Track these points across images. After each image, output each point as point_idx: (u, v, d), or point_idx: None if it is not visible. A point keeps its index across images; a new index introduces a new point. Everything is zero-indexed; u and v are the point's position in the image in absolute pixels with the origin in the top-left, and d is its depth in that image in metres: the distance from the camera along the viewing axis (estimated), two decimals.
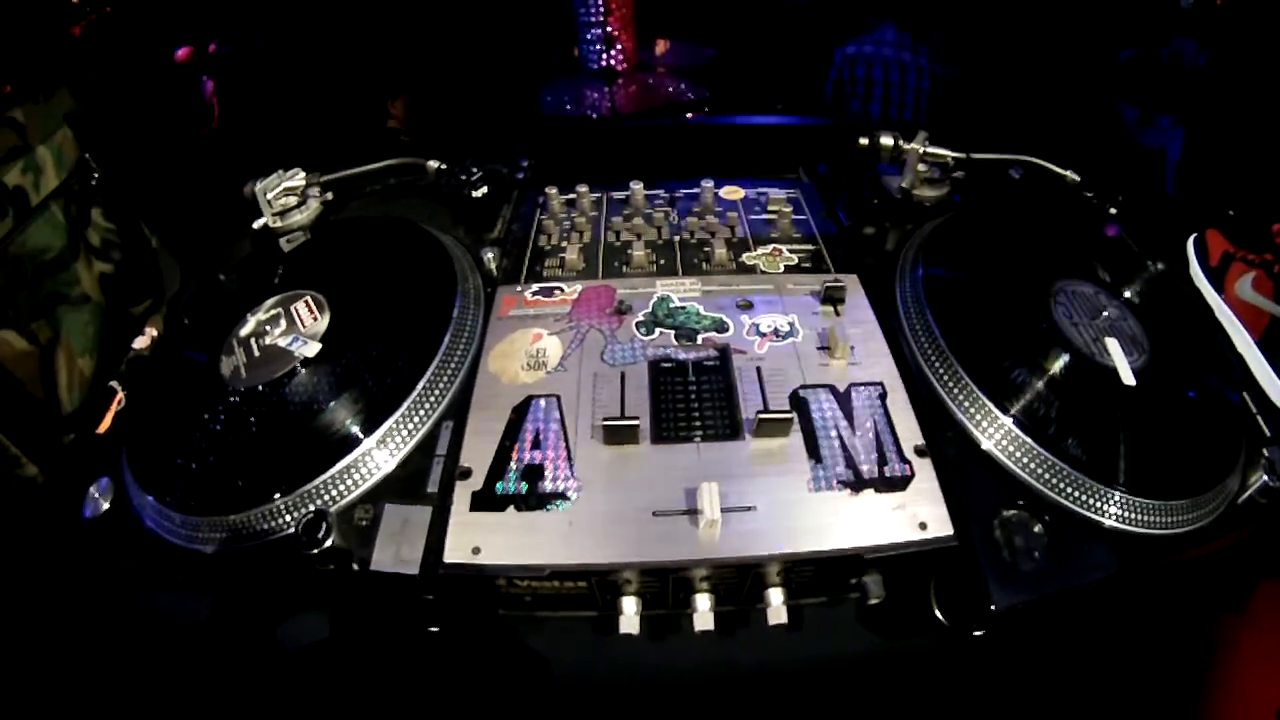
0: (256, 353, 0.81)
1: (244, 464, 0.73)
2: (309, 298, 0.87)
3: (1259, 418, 0.83)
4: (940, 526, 0.66)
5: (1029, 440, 0.72)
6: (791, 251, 1.01)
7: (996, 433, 0.74)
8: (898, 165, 1.08)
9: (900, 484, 0.70)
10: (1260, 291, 1.02)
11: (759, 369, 0.82)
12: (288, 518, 0.69)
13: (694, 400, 0.79)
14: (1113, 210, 1.05)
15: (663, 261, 1.00)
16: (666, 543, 0.66)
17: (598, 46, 1.94)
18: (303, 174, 1.03)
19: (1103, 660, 0.78)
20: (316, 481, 0.70)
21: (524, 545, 0.66)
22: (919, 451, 0.72)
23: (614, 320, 0.90)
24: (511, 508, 0.69)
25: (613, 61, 1.95)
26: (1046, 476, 0.71)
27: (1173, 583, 0.75)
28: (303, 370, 0.78)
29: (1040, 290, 0.85)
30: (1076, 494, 0.70)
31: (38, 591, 0.78)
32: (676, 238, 1.05)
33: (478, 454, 0.74)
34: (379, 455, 0.73)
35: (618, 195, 1.14)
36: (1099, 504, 0.70)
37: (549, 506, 0.69)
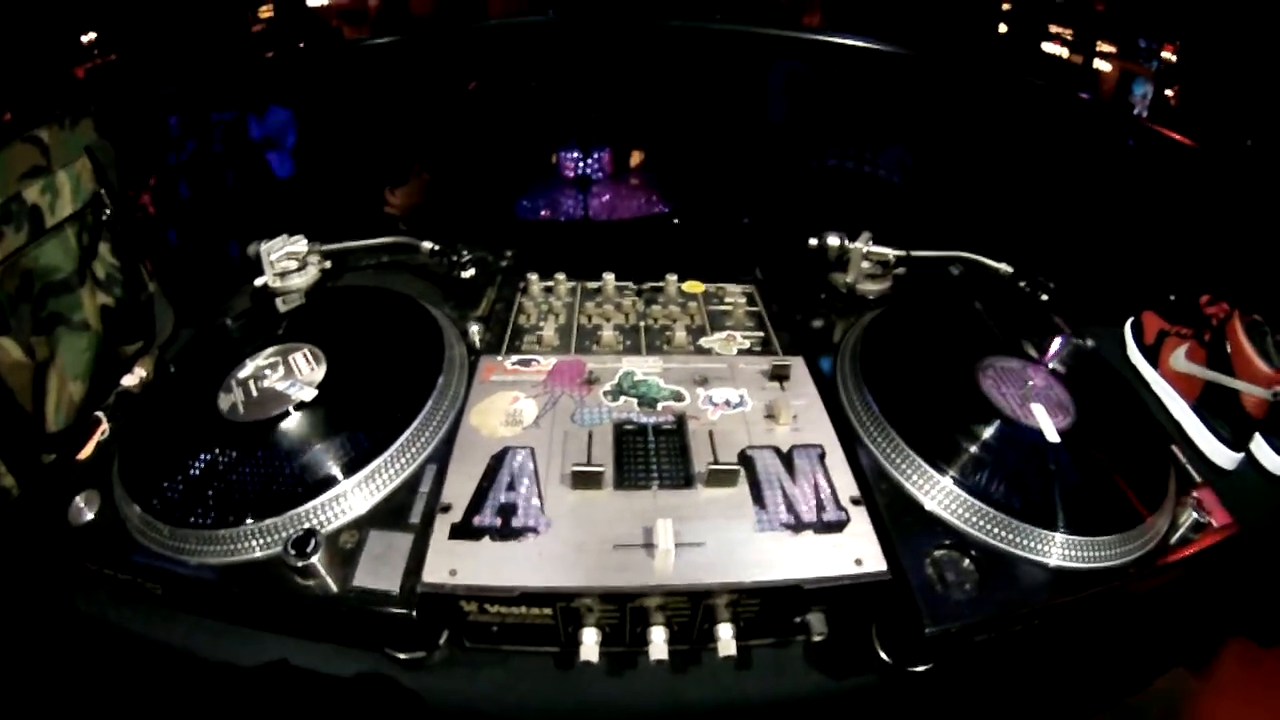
0: (254, 393, 0.88)
1: (238, 487, 0.78)
2: (307, 350, 0.95)
3: (1188, 466, 0.93)
4: (874, 563, 0.74)
5: (962, 493, 0.81)
6: (744, 337, 1.14)
7: (934, 489, 0.83)
8: (843, 263, 1.22)
9: (837, 527, 0.78)
10: (1193, 360, 1.13)
11: (711, 432, 0.92)
12: (276, 537, 0.74)
13: (653, 456, 0.88)
14: (1044, 298, 1.18)
15: (629, 342, 1.12)
16: (625, 570, 0.73)
17: (574, 154, 2.12)
18: (305, 241, 1.13)
19: (1063, 710, 0.84)
20: (305, 507, 0.76)
21: (497, 569, 0.72)
22: (855, 501, 0.82)
23: (584, 389, 1.00)
24: (487, 538, 0.76)
25: (589, 170, 2.13)
26: (980, 523, 0.78)
27: (1123, 624, 0.82)
28: (298, 412, 0.86)
29: (968, 366, 0.96)
30: (1010, 536, 0.77)
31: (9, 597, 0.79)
32: (642, 323, 1.17)
33: (458, 492, 0.81)
34: (365, 489, 0.80)
35: (592, 285, 1.27)
36: (1032, 544, 0.77)
37: (521, 538, 0.76)
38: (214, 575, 0.74)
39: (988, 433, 0.88)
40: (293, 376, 0.91)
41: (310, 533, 0.71)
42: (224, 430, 0.84)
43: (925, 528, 0.80)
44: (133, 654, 0.78)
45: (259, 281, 1.11)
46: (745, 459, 0.88)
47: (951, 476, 0.83)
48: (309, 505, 0.77)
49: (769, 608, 0.76)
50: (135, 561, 0.75)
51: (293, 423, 0.85)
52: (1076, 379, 0.98)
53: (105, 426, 0.93)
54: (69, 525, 0.79)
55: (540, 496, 0.81)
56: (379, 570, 0.72)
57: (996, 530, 0.78)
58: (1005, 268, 1.24)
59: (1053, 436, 0.86)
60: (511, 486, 0.82)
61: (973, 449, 0.87)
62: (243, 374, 0.91)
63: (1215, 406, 1.09)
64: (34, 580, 0.80)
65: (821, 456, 0.88)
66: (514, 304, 1.21)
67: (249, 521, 0.75)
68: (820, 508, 0.81)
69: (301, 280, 1.13)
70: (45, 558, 0.79)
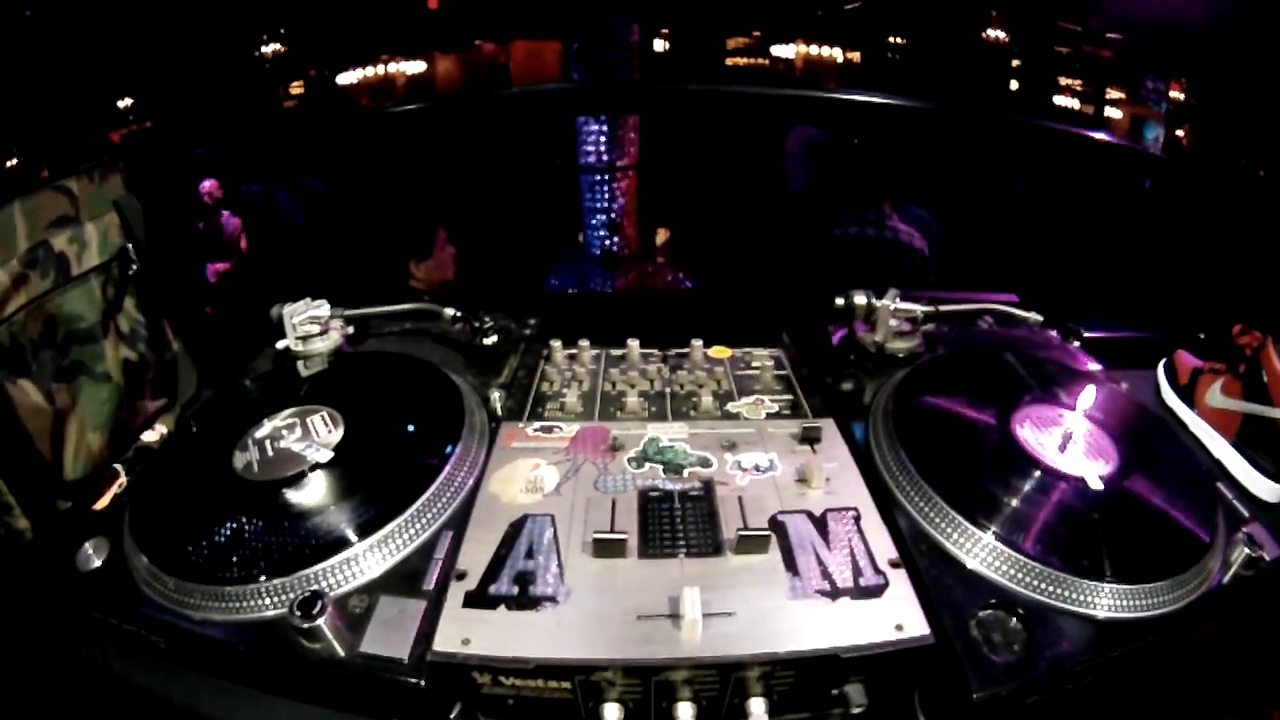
0: (270, 453, 0.88)
1: (247, 545, 0.77)
2: (325, 413, 0.95)
3: (1235, 502, 0.88)
4: (916, 628, 0.69)
5: (1005, 549, 0.76)
6: (773, 401, 1.11)
7: (975, 547, 0.78)
8: (871, 322, 1.20)
9: (875, 592, 0.73)
10: (1229, 394, 1.09)
11: (740, 498, 0.88)
12: (284, 597, 0.72)
13: (679, 523, 0.84)
14: (1076, 344, 1.15)
15: (654, 409, 1.10)
16: (649, 643, 0.68)
17: (601, 232, 2.18)
18: (328, 305, 1.14)
19: None
20: (316, 569, 0.74)
21: (512, 640, 0.68)
22: (893, 564, 0.76)
23: (608, 455, 0.98)
24: (503, 606, 0.72)
25: (615, 247, 2.18)
26: (1025, 579, 0.74)
27: (1176, 673, 0.76)
28: (313, 473, 0.85)
29: (1004, 417, 0.93)
30: (1058, 590, 0.73)
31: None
32: (668, 389, 1.15)
33: (474, 560, 0.78)
34: (378, 553, 0.78)
35: (616, 352, 1.26)
36: (1081, 596, 0.73)
37: (539, 607, 0.72)
38: (218, 632, 0.72)
39: (1027, 485, 0.84)
40: (310, 438, 0.91)
41: (317, 594, 0.68)
42: (237, 487, 0.84)
43: (968, 588, 0.75)
44: (133, 707, 0.76)
45: (281, 344, 1.12)
46: (776, 524, 0.83)
47: (993, 532, 0.78)
48: (319, 567, 0.75)
49: (805, 679, 0.70)
50: (139, 612, 0.74)
51: (306, 483, 0.84)
52: (1114, 424, 0.95)
53: (123, 479, 0.94)
54: (76, 571, 0.79)
55: (560, 565, 0.78)
56: (388, 636, 0.68)
57: (1043, 585, 0.74)
58: (1035, 316, 1.23)
59: (1095, 484, 0.83)
60: (530, 554, 0.79)
61: (1013, 502, 0.82)
62: (260, 433, 0.91)
63: (1255, 439, 1.05)
64: (40, 624, 0.78)
65: (857, 519, 0.83)
66: (537, 371, 1.20)
67: (257, 580, 0.73)
68: (857, 572, 0.75)
69: (323, 345, 1.13)
70: (52, 602, 0.79)
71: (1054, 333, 1.21)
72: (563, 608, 0.72)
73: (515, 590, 0.74)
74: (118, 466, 0.92)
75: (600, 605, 0.73)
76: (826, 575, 0.75)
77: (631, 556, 0.79)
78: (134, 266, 1.12)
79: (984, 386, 1.06)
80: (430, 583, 0.75)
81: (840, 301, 1.22)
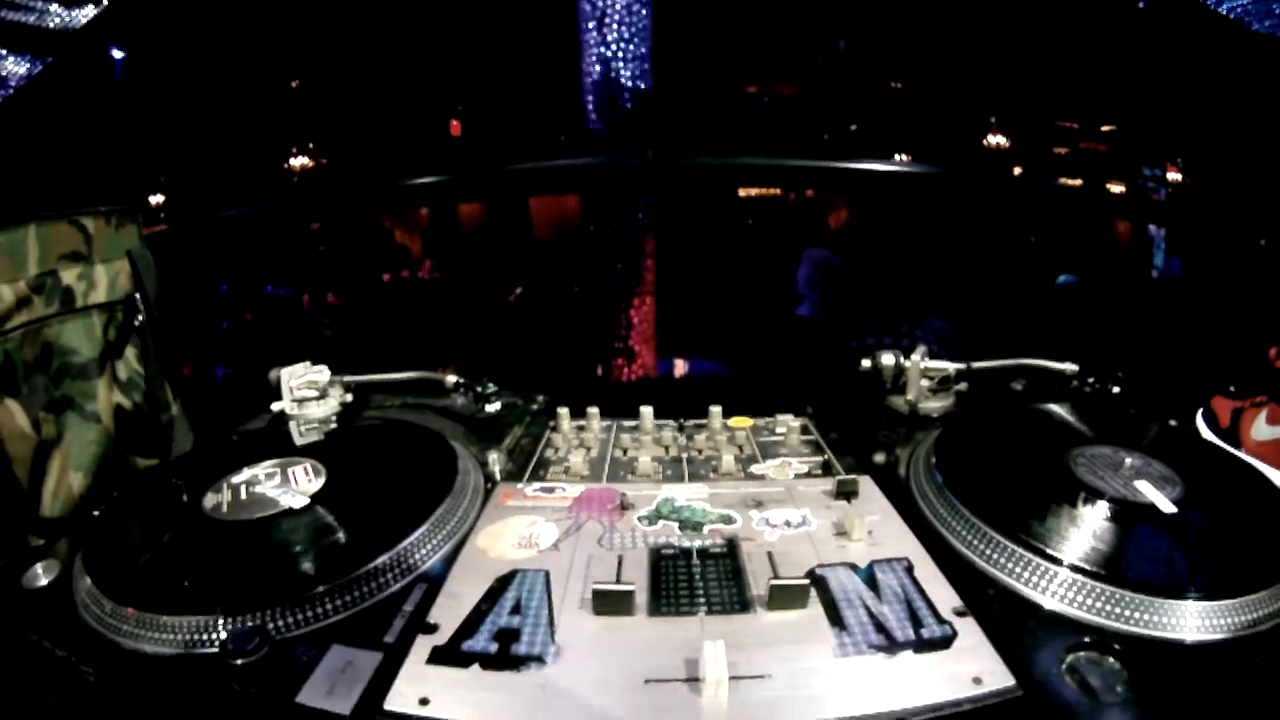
0: (243, 496, 0.82)
1: (194, 577, 0.70)
2: (309, 464, 0.89)
3: None
4: (998, 679, 0.54)
5: (1087, 580, 0.66)
6: (801, 463, 0.99)
7: (1051, 584, 0.67)
8: (901, 384, 1.11)
9: (942, 643, 0.58)
10: (1276, 423, 1.06)
11: (770, 553, 0.75)
12: (218, 635, 0.62)
13: (698, 580, 0.71)
14: (1116, 390, 1.09)
15: (669, 472, 0.98)
16: (661, 712, 0.54)
17: (619, 361, 2.13)
18: (328, 371, 1.07)
19: None
20: (265, 610, 0.64)
21: (484, 704, 0.54)
22: (959, 612, 0.62)
23: (615, 514, 0.85)
24: (476, 665, 0.58)
25: (633, 376, 2.11)
26: (1114, 610, 0.64)
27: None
28: (284, 518, 0.77)
29: (1057, 459, 0.85)
30: (1152, 617, 0.63)
31: None
32: (685, 455, 1.04)
33: (449, 614, 0.65)
34: (340, 600, 0.67)
35: (628, 422, 1.16)
36: (1174, 620, 0.63)
37: (520, 668, 0.58)
38: (145, 664, 0.64)
39: (1098, 515, 0.75)
40: (288, 486, 0.85)
41: (258, 631, 0.57)
42: (197, 522, 0.79)
43: (1050, 630, 0.64)
44: None
45: (276, 406, 1.04)
46: (816, 578, 0.69)
47: (1069, 565, 0.67)
48: (269, 609, 0.64)
49: None
50: (70, 635, 0.68)
51: (273, 525, 0.77)
52: (1170, 454, 0.88)
53: None
54: (21, 589, 0.74)
55: (552, 622, 0.64)
56: (332, 689, 0.55)
57: (1134, 614, 0.64)
58: (1070, 367, 1.16)
59: (1167, 507, 0.76)
60: (517, 610, 0.66)
61: (1085, 534, 0.73)
62: (236, 479, 0.87)
63: None
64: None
65: (909, 569, 0.69)
66: (542, 439, 1.10)
67: (195, 613, 0.65)
68: (917, 623, 0.61)
69: (320, 410, 1.05)
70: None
71: (1091, 380, 1.16)
72: (551, 669, 0.58)
73: (494, 648, 0.60)
74: (97, 515, 0.86)
75: (598, 668, 0.58)
76: (881, 628, 0.61)
77: (639, 614, 0.65)
78: (140, 317, 1.11)
79: (1028, 433, 1.00)
80: (393, 635, 0.62)
81: (867, 364, 1.14)
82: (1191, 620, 0.64)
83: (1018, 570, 0.69)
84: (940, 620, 0.61)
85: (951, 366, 1.11)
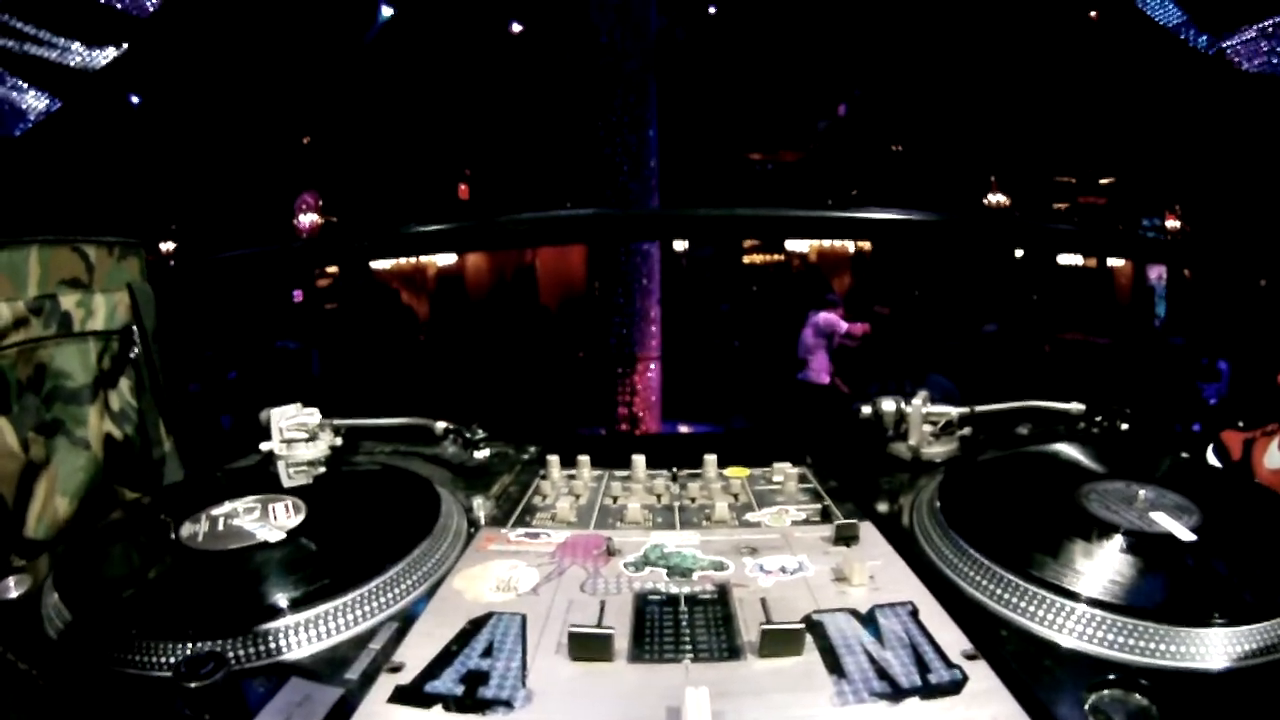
0: (220, 528, 0.81)
1: (158, 602, 0.70)
2: (290, 501, 0.88)
3: None
4: None
5: (1106, 615, 0.62)
6: (799, 510, 0.94)
7: (1068, 621, 0.63)
8: (902, 431, 1.08)
9: (951, 689, 0.53)
10: None
11: (763, 600, 0.70)
12: (172, 660, 0.60)
13: (684, 627, 0.66)
14: (1124, 426, 1.07)
15: (659, 519, 0.94)
16: None
17: (622, 427, 2.10)
18: (319, 414, 1.05)
19: None
20: (229, 639, 0.61)
21: None
22: (968, 656, 0.57)
23: (601, 560, 0.81)
24: (439, 707, 0.53)
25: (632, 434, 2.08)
26: (1137, 644, 0.60)
27: None
28: (258, 551, 0.76)
29: (1069, 495, 0.83)
30: (1174, 649, 0.59)
31: None
32: (677, 503, 1.00)
33: (416, 653, 0.60)
34: (304, 634, 0.64)
35: (620, 472, 1.12)
36: (1200, 650, 0.60)
37: (486, 711, 0.53)
38: (100, 686, 0.61)
39: (1114, 548, 0.72)
40: (267, 521, 0.84)
41: (214, 656, 0.54)
42: (171, 549, 0.78)
43: (1069, 669, 0.59)
44: None
45: (264, 446, 1.02)
46: (812, 624, 0.65)
47: (1087, 600, 0.64)
48: (229, 638, 0.61)
49: None
50: (31, 649, 0.66)
51: (242, 553, 0.76)
52: (1184, 485, 0.85)
53: None
54: None
55: (524, 666, 0.59)
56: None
57: (1158, 646, 0.60)
58: (1076, 406, 1.14)
59: (1186, 536, 0.74)
60: (488, 653, 0.61)
61: (1103, 566, 0.70)
62: (216, 511, 0.86)
63: None
64: None
65: (914, 614, 0.65)
66: (530, 486, 1.06)
67: (156, 638, 0.62)
68: (924, 669, 0.56)
69: (308, 452, 1.03)
70: None
71: (1099, 418, 1.13)
72: (518, 714, 0.53)
73: (460, 690, 0.55)
74: None
75: (571, 714, 0.53)
76: (884, 675, 0.56)
77: (619, 660, 0.61)
78: (135, 349, 1.11)
79: (1035, 472, 0.98)
80: (355, 671, 0.58)
81: (867, 410, 1.11)
82: (1219, 647, 0.60)
83: (1031, 609, 0.65)
84: (949, 665, 0.56)
85: (954, 410, 1.08)
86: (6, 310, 0.92)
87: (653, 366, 4.42)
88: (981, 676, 0.55)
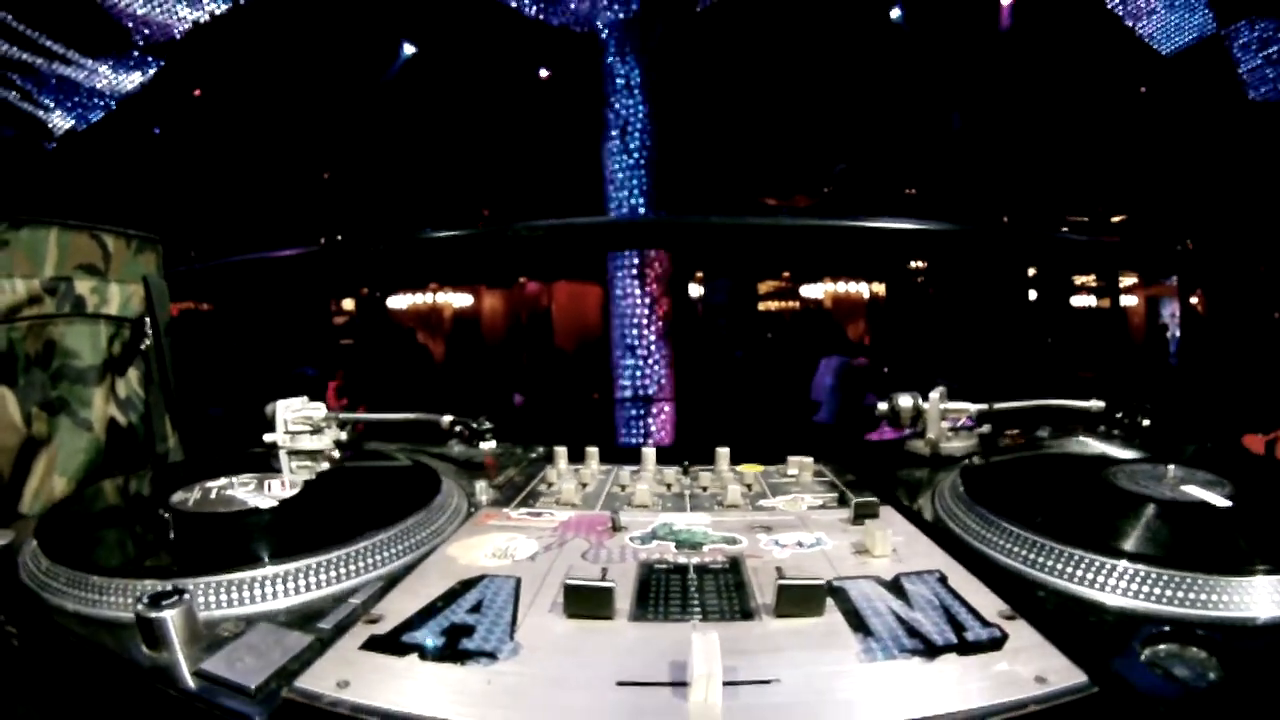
0: (213, 496, 0.81)
1: (136, 546, 0.72)
2: (289, 479, 0.88)
3: None
4: (1065, 675, 0.44)
5: (1153, 569, 0.58)
6: (815, 498, 0.88)
7: (1113, 578, 0.58)
8: (920, 427, 1.03)
9: (991, 645, 0.48)
10: None
11: (779, 567, 0.65)
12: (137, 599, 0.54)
13: (693, 591, 0.61)
14: (1146, 423, 1.04)
15: (669, 504, 0.89)
16: (637, 715, 0.43)
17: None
18: (324, 408, 1.02)
19: None
20: (199, 580, 0.58)
21: (413, 694, 0.44)
22: (1006, 616, 0.51)
23: (605, 535, 0.76)
24: (415, 655, 0.48)
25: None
26: (1187, 596, 0.57)
27: None
28: (247, 515, 0.75)
29: (1094, 475, 0.80)
30: (1228, 598, 0.56)
31: None
32: (688, 491, 0.94)
33: (398, 607, 0.56)
34: (279, 585, 0.60)
35: (629, 467, 1.07)
36: (1247, 599, 0.56)
37: (466, 662, 0.48)
38: (66, 623, 0.59)
39: (1150, 513, 0.69)
40: (261, 493, 0.82)
41: (177, 590, 0.51)
42: (155, 506, 0.78)
43: (1118, 626, 0.55)
44: None
45: (268, 438, 0.99)
46: (834, 589, 0.59)
47: (1130, 555, 0.61)
48: (202, 580, 0.58)
49: None
50: (6, 596, 0.64)
51: (230, 516, 0.75)
52: (1213, 463, 0.83)
53: None
54: None
55: (513, 621, 0.54)
56: (244, 661, 0.46)
57: (1207, 598, 0.56)
58: (1096, 404, 1.09)
59: (1221, 503, 0.72)
60: (476, 609, 0.56)
61: (1142, 529, 0.67)
62: (212, 483, 0.84)
63: None
64: None
65: (942, 579, 0.59)
66: (536, 476, 1.01)
67: (120, 575, 0.60)
68: (959, 628, 0.50)
69: (312, 444, 1.00)
70: None
71: (1120, 415, 1.11)
72: (502, 665, 0.48)
73: (440, 641, 0.50)
74: None
75: (562, 667, 0.48)
76: (915, 633, 0.50)
77: (620, 619, 0.55)
78: (147, 340, 1.10)
79: (1059, 457, 1.00)
80: (329, 622, 0.53)
81: (884, 407, 1.06)
82: (1266, 596, 0.57)
83: (1070, 570, 0.60)
84: (985, 624, 0.51)
85: (971, 406, 1.04)
86: (22, 286, 0.93)
87: (666, 408, 4.38)
88: (1022, 634, 0.50)
